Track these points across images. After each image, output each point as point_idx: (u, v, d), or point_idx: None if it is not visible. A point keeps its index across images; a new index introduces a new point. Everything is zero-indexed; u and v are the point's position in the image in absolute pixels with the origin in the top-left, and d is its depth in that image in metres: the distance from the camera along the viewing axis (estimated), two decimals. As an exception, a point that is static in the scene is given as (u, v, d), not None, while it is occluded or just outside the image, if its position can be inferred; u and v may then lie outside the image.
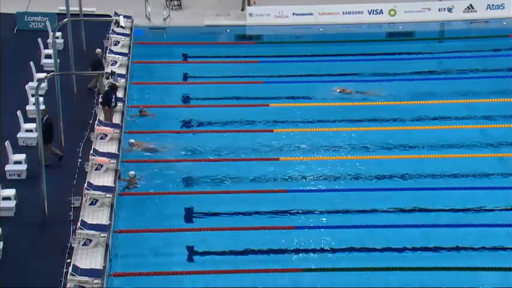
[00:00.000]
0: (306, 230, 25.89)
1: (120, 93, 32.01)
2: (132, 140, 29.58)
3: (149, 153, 29.52)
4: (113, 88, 30.09)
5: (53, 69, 30.39)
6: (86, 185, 26.19)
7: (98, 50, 33.67)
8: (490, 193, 27.50)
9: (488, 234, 25.61)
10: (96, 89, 32.49)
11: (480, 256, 24.75)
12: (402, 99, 33.36)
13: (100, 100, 30.49)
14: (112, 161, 27.69)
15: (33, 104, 29.29)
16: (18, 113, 29.52)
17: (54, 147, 28.19)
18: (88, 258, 23.56)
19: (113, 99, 29.90)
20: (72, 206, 25.82)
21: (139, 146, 29.64)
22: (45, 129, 26.54)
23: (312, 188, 27.99)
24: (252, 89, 34.11)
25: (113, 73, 29.48)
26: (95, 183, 26.44)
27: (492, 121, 31.73)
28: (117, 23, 30.32)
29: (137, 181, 27.75)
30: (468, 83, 34.66)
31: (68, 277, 22.54)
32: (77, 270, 22.69)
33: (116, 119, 30.58)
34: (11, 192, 25.90)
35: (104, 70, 32.38)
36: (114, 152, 28.47)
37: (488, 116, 32.08)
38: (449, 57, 37.19)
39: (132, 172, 27.80)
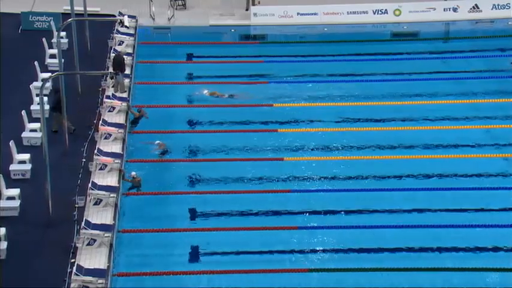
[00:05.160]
0: (309, 230, 25.88)
1: (124, 93, 32.14)
2: (159, 142, 29.51)
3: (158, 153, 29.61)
4: (57, 91, 29.70)
5: (58, 69, 30.42)
6: (90, 184, 26.21)
7: (122, 50, 33.69)
8: (494, 193, 27.47)
9: (491, 234, 25.57)
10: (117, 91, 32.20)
11: (484, 257, 24.73)
12: (406, 99, 33.33)
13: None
14: (116, 160, 27.71)
15: (38, 103, 29.34)
16: (23, 112, 29.56)
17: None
18: (92, 258, 23.57)
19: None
20: (77, 205, 25.84)
21: (161, 146, 29.59)
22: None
23: (315, 188, 27.97)
24: (256, 89, 34.10)
25: (116, 73, 29.54)
26: (99, 183, 26.46)
27: (497, 121, 31.66)
28: (121, 22, 30.34)
29: (140, 179, 27.71)
30: (473, 83, 34.61)
31: (72, 277, 22.56)
32: (81, 270, 22.70)
33: (120, 119, 30.62)
34: (15, 191, 25.92)
35: (124, 70, 32.45)
36: (118, 151, 28.49)
37: (493, 116, 32.02)
38: (454, 57, 37.15)
39: (133, 173, 27.78)
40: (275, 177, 28.45)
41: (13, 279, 22.98)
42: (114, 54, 33.34)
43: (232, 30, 40.08)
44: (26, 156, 27.67)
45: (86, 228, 24.13)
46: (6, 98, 31.42)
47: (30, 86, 31.58)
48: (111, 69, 32.57)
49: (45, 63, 34.09)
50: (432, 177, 28.37)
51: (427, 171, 28.61)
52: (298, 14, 40.27)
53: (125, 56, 33.96)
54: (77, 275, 22.52)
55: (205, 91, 33.42)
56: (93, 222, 24.61)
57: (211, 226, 25.96)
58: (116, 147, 28.87)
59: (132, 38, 36.57)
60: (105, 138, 29.24)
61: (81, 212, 25.46)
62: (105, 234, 24.07)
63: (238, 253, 24.93)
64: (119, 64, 32.29)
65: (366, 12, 40.34)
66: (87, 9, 34.04)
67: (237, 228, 25.74)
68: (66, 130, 28.65)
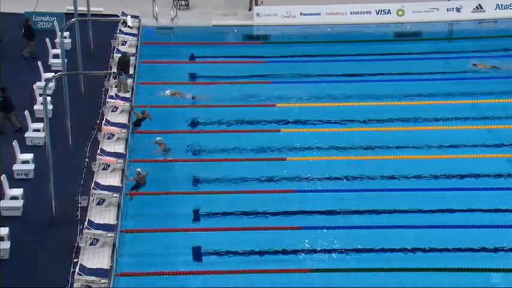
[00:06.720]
0: (312, 230, 25.88)
1: (127, 94, 32.17)
2: (159, 138, 29.55)
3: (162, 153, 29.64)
4: (3, 91, 29.56)
5: (61, 69, 30.47)
6: (93, 184, 26.24)
7: (128, 52, 33.79)
8: (497, 194, 27.47)
9: (494, 235, 25.56)
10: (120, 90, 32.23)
11: (487, 257, 24.73)
12: (409, 99, 33.34)
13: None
14: (119, 160, 27.73)
15: (41, 103, 29.36)
16: (26, 112, 29.59)
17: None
18: (95, 257, 23.60)
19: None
20: (80, 205, 25.87)
21: (161, 144, 29.59)
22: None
23: (318, 188, 27.98)
24: (259, 89, 34.12)
25: (119, 73, 29.57)
26: (102, 183, 26.48)
27: (500, 121, 31.64)
28: (124, 22, 30.38)
29: (145, 176, 27.69)
30: (475, 83, 34.59)
31: (75, 277, 22.58)
32: (84, 270, 22.73)
33: (123, 119, 30.65)
34: (18, 191, 25.96)
35: (128, 71, 32.47)
36: (121, 151, 28.51)
37: (497, 116, 32.01)
38: (458, 57, 37.13)
39: (138, 169, 27.80)
40: (278, 177, 28.45)
41: (16, 278, 23.01)
42: (120, 55, 33.33)
43: (235, 31, 40.10)
44: (29, 156, 27.70)
45: (88, 228, 24.15)
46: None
47: (34, 86, 31.62)
48: (114, 69, 32.60)
49: (49, 63, 34.13)
50: (438, 177, 28.35)
51: (430, 172, 28.59)
52: (301, 14, 40.28)
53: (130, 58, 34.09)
54: (80, 274, 22.54)
55: (167, 91, 33.37)
56: (96, 222, 24.64)
57: (214, 226, 25.96)
58: (119, 147, 28.89)
59: (135, 38, 36.61)
60: (108, 138, 29.27)
61: (84, 212, 25.48)
62: (108, 234, 24.09)
63: (241, 253, 24.94)
64: (124, 65, 32.31)
65: (369, 13, 40.35)
66: (90, 9, 34.10)
67: (240, 228, 25.75)
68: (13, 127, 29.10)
